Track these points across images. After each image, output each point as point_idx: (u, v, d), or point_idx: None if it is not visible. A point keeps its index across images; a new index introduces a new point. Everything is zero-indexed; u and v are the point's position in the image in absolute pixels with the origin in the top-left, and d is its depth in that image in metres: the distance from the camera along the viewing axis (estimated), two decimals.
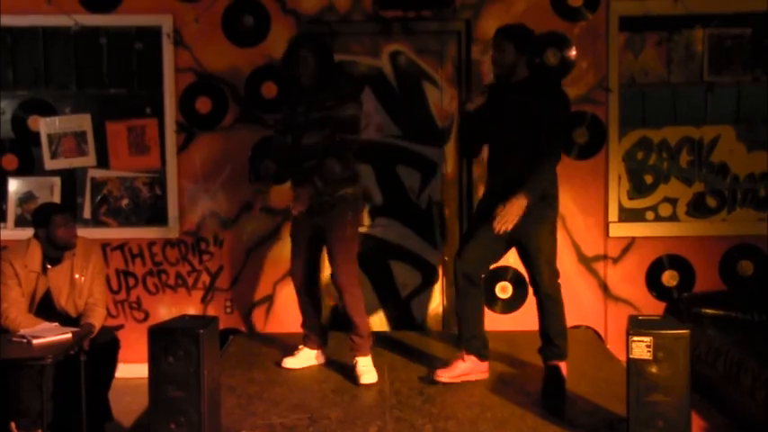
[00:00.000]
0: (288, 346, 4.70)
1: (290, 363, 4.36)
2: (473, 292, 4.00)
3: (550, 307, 3.94)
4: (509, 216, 3.69)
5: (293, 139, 4.11)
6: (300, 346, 4.41)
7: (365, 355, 4.18)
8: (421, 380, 4.09)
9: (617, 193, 5.35)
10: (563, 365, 3.94)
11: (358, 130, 4.16)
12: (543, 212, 3.86)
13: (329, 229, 4.13)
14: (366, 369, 4.12)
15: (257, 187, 5.26)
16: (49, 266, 4.31)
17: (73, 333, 4.00)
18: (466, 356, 4.01)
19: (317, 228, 4.17)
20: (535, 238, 3.87)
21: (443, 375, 3.98)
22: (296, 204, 4.13)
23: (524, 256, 3.97)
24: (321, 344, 4.42)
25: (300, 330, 4.43)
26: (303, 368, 4.35)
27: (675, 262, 5.38)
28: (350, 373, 4.17)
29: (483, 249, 3.95)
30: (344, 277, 4.13)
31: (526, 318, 5.23)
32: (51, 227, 4.24)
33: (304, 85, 4.10)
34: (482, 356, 4.05)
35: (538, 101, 3.80)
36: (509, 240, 3.89)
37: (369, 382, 4.06)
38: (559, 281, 3.97)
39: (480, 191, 4.68)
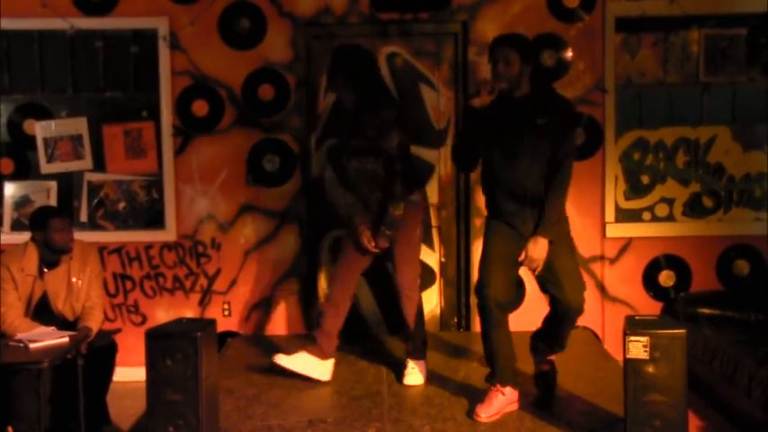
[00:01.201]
0: (286, 348, 4.69)
1: (325, 376, 4.21)
2: (505, 322, 3.75)
3: (574, 317, 3.75)
4: (537, 261, 3.59)
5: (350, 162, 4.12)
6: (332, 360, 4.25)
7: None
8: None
9: (614, 194, 5.36)
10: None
11: (408, 154, 4.17)
12: (558, 232, 3.68)
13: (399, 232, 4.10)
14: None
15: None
16: (45, 270, 4.30)
17: (70, 337, 4.00)
18: (502, 389, 3.71)
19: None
20: (559, 260, 3.66)
21: (483, 415, 3.64)
22: (379, 242, 4.05)
23: (548, 277, 3.71)
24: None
25: (295, 331, 4.41)
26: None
27: (672, 262, 5.39)
28: (347, 373, 4.19)
29: (508, 275, 3.73)
30: (412, 278, 4.20)
31: (523, 319, 5.23)
32: (48, 231, 4.24)
33: (346, 107, 4.10)
34: (516, 384, 3.78)
35: (550, 119, 3.60)
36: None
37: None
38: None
39: (478, 192, 4.70)
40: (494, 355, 3.73)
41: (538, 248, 3.57)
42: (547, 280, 3.70)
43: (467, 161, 4.02)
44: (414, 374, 4.18)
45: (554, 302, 3.76)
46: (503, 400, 3.70)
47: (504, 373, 3.72)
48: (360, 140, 4.04)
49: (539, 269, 3.62)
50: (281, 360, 4.13)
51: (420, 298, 4.27)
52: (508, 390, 3.72)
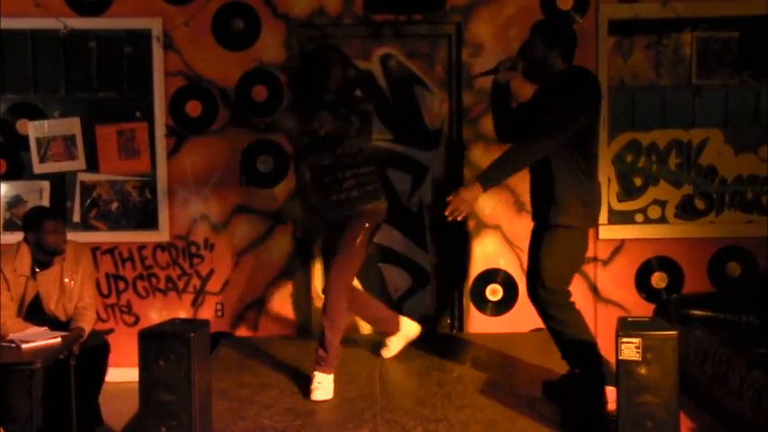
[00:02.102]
0: (279, 349, 4.71)
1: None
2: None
3: (548, 324, 3.74)
4: (458, 204, 3.50)
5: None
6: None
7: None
8: None
9: (606, 196, 5.36)
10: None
11: (370, 161, 4.17)
12: (552, 217, 3.64)
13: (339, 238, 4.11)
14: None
15: None
16: (38, 270, 4.30)
17: (62, 337, 4.00)
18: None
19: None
20: (543, 245, 3.67)
21: None
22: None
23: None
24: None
25: (288, 332, 4.40)
26: (300, 371, 4.33)
27: (664, 264, 5.40)
28: (339, 374, 4.17)
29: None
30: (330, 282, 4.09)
31: (516, 320, 5.26)
32: (41, 232, 4.23)
33: (323, 101, 4.03)
34: None
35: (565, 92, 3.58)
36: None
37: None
38: (566, 300, 3.72)
39: None
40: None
41: (461, 193, 3.52)
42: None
43: (500, 129, 3.96)
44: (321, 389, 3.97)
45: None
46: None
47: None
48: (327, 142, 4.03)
49: (456, 214, 3.51)
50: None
51: (332, 307, 4.01)
52: None
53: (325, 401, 3.89)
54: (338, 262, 4.05)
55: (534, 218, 3.80)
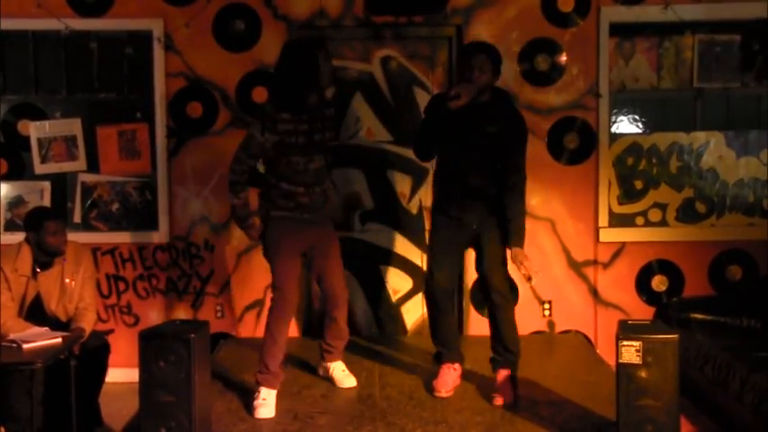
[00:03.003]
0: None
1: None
2: (451, 307, 4.19)
3: (505, 310, 4.02)
4: (522, 265, 3.84)
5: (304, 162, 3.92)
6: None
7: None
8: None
9: (607, 199, 5.37)
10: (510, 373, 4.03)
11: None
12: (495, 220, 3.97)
13: (326, 240, 4.12)
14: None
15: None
16: (39, 271, 4.29)
17: (63, 338, 3.99)
18: (452, 365, 4.11)
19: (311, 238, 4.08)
20: (490, 244, 3.96)
21: (443, 390, 4.03)
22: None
23: (479, 261, 4.02)
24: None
25: (292, 334, 4.40)
26: (298, 374, 4.38)
27: (665, 267, 5.40)
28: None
29: (453, 263, 4.07)
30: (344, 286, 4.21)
31: (520, 320, 5.25)
32: (42, 233, 4.23)
33: (313, 100, 3.87)
34: (462, 361, 4.20)
35: (501, 125, 3.86)
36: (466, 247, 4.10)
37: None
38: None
39: None
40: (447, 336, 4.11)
41: (517, 257, 3.86)
42: (479, 262, 4.00)
43: (425, 150, 4.14)
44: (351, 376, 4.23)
45: (484, 292, 4.07)
46: (455, 376, 4.08)
47: (456, 352, 4.12)
48: (317, 135, 3.95)
49: (528, 274, 3.84)
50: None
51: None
52: (457, 366, 4.10)
53: (324, 402, 3.88)
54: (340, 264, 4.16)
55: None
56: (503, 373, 3.97)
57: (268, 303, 5.15)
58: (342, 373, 4.20)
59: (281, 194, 3.94)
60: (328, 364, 4.25)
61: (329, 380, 4.23)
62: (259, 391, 3.82)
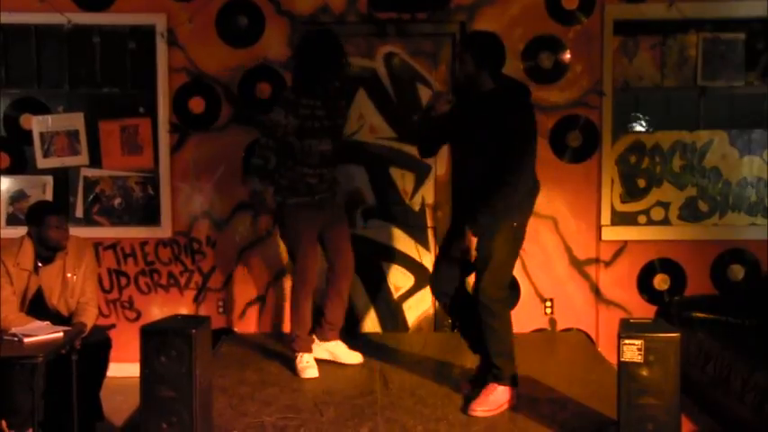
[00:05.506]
0: (280, 346, 4.71)
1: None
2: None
3: (487, 320, 3.69)
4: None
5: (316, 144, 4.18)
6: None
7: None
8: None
9: (609, 197, 5.36)
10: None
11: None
12: (492, 225, 3.68)
13: (336, 217, 4.35)
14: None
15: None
16: (40, 265, 4.29)
17: (65, 332, 3.99)
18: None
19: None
20: (485, 250, 3.68)
21: (479, 409, 3.70)
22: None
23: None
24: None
25: (290, 329, 4.41)
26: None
27: (667, 266, 5.39)
28: (340, 372, 4.23)
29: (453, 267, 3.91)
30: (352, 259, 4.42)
31: (517, 320, 5.22)
32: (44, 227, 4.23)
33: (333, 85, 4.22)
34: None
35: (501, 117, 3.60)
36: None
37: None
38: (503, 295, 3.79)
39: None
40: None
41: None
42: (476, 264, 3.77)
43: (425, 148, 4.09)
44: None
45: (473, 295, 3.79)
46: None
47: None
48: (327, 121, 4.22)
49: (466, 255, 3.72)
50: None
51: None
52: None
53: (324, 400, 3.88)
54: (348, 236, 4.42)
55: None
56: (487, 386, 3.77)
57: (270, 299, 5.19)
58: (345, 350, 4.35)
59: (295, 178, 4.18)
60: (330, 342, 4.37)
61: (331, 362, 4.36)
62: (301, 356, 4.22)
